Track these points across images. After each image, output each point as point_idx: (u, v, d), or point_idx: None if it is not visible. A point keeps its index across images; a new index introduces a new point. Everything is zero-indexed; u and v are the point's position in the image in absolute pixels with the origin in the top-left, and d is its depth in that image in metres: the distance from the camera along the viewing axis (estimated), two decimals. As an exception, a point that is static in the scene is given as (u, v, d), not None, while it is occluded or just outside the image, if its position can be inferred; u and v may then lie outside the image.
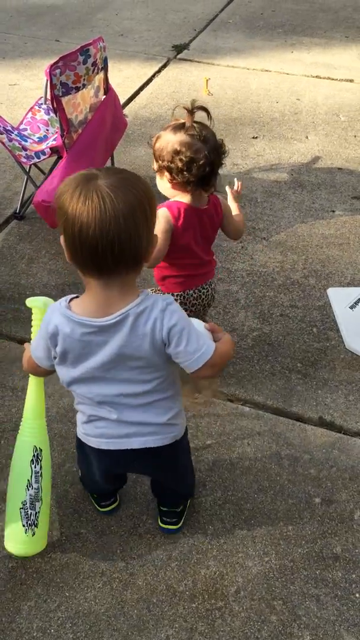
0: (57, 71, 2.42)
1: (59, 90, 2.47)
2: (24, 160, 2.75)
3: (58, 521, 1.79)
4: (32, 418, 1.66)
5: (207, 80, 4.19)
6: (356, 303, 2.53)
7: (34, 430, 1.65)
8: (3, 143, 2.69)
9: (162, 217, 1.79)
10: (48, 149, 2.76)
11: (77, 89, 2.56)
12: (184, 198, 1.83)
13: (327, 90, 4.23)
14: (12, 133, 2.81)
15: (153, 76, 4.38)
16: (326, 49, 4.81)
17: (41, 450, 1.63)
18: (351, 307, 2.52)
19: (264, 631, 1.58)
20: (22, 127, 2.97)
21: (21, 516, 1.59)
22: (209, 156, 1.73)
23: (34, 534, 1.60)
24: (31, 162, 2.79)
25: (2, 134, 2.67)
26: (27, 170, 2.86)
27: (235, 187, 2.15)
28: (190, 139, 1.73)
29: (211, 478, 1.91)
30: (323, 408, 2.15)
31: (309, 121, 3.87)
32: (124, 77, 4.25)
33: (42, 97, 3.04)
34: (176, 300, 2.00)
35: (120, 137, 3.13)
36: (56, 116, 2.58)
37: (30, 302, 1.63)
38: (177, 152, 1.72)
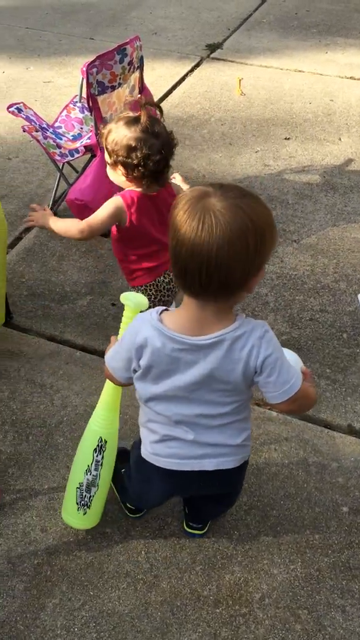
0: (94, 70, 2.43)
1: (95, 89, 2.48)
2: (57, 157, 2.76)
3: (84, 519, 1.80)
4: (105, 410, 1.65)
5: (240, 80, 4.16)
6: (388, 310, 2.50)
7: (104, 422, 1.65)
8: (38, 140, 2.71)
9: (113, 203, 1.92)
10: (82, 147, 2.77)
11: (113, 88, 2.56)
12: (138, 187, 1.91)
13: (361, 92, 4.17)
14: (48, 131, 2.83)
15: (186, 75, 4.36)
16: (362, 49, 4.74)
17: (106, 442, 1.64)
18: (383, 314, 2.48)
19: (288, 640, 1.57)
20: (56, 124, 2.99)
21: (76, 495, 1.67)
22: (162, 152, 1.81)
23: (84, 513, 1.68)
24: (65, 160, 2.80)
25: (37, 131, 2.69)
26: (60, 168, 2.88)
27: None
28: (144, 135, 1.79)
29: (237, 482, 1.90)
30: (352, 415, 2.12)
31: (342, 123, 3.81)
32: (156, 75, 4.25)
33: (76, 95, 3.04)
34: (149, 289, 2.06)
35: (153, 137, 3.12)
36: (91, 115, 2.59)
37: (123, 298, 1.59)
38: (132, 149, 1.79)
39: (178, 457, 1.38)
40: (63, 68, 4.42)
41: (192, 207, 1.10)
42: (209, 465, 1.38)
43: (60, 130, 2.96)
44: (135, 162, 1.80)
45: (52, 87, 4.16)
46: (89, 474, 1.65)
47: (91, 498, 1.67)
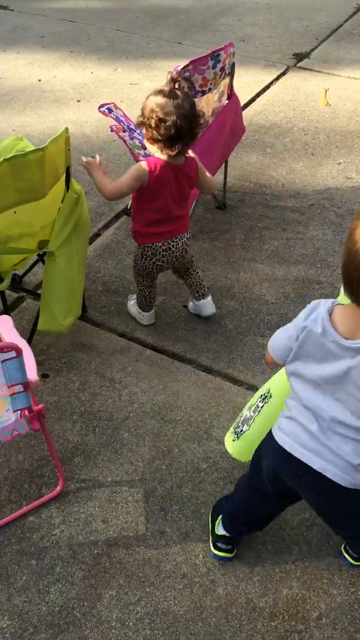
0: (187, 74, 2.46)
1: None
2: (141, 158, 2.80)
3: (144, 516, 1.82)
4: (283, 373, 1.62)
5: (325, 91, 4.11)
6: None
7: (280, 383, 1.67)
8: (124, 140, 2.76)
9: (137, 166, 2.08)
10: (166, 150, 2.80)
11: (203, 93, 2.58)
12: (162, 155, 2.05)
13: None
14: (135, 132, 2.87)
15: (271, 83, 4.35)
16: None
17: (271, 396, 1.67)
18: None
19: (344, 664, 1.52)
20: (142, 126, 3.04)
21: (238, 420, 1.77)
22: (177, 121, 1.94)
23: (233, 440, 1.77)
24: (148, 161, 2.84)
25: (125, 131, 2.75)
26: (143, 168, 2.92)
27: None
28: (165, 102, 1.96)
29: (300, 497, 1.87)
30: None
31: None
32: (242, 82, 4.25)
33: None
34: (147, 250, 2.25)
35: (237, 143, 3.13)
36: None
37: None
38: (152, 111, 1.97)
39: (294, 439, 1.38)
40: (150, 71, 4.49)
41: None
42: (316, 463, 1.35)
43: (146, 132, 3.01)
44: (152, 123, 1.97)
45: (138, 89, 4.24)
46: (249, 410, 1.72)
47: (242, 432, 1.73)
